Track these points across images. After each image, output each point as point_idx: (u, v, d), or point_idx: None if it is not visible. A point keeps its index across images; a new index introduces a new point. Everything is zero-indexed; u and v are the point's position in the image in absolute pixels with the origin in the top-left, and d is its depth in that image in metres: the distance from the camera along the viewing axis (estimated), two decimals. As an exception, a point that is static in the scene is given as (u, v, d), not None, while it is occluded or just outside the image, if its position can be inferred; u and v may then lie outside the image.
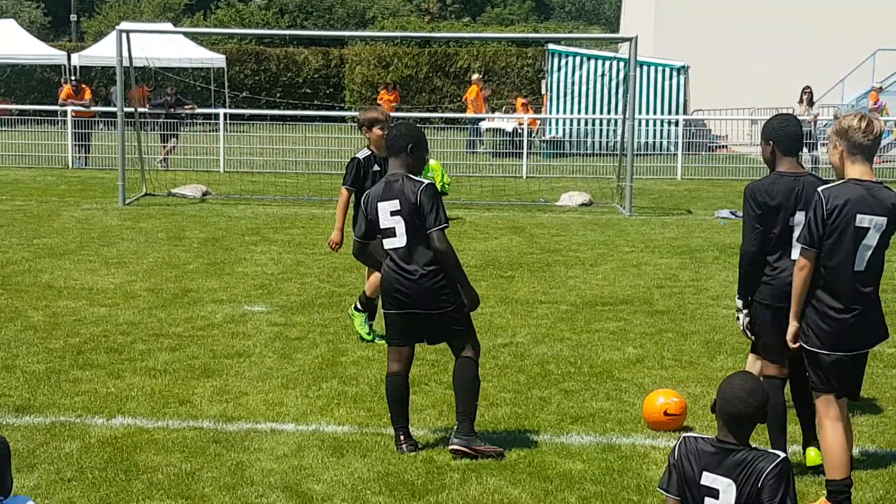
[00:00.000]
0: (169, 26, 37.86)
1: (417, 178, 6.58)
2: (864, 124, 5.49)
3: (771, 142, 6.09)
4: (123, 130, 18.87)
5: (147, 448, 6.59)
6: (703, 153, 27.48)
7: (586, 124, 29.67)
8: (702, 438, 4.51)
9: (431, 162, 16.66)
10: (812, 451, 6.33)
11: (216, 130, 26.02)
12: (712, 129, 30.29)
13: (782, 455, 4.39)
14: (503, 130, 28.12)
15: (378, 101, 29.58)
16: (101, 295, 10.98)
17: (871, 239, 5.49)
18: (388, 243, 6.57)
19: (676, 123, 27.59)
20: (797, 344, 5.65)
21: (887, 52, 31.23)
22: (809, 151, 24.38)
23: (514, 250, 14.20)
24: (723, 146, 29.54)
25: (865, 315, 5.60)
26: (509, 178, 23.87)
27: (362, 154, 9.16)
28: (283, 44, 44.11)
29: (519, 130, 26.95)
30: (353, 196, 9.11)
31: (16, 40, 37.82)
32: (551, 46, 31.10)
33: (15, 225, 15.70)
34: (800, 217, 5.87)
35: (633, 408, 7.55)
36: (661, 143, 28.96)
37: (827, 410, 5.67)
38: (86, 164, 25.36)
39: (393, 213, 6.54)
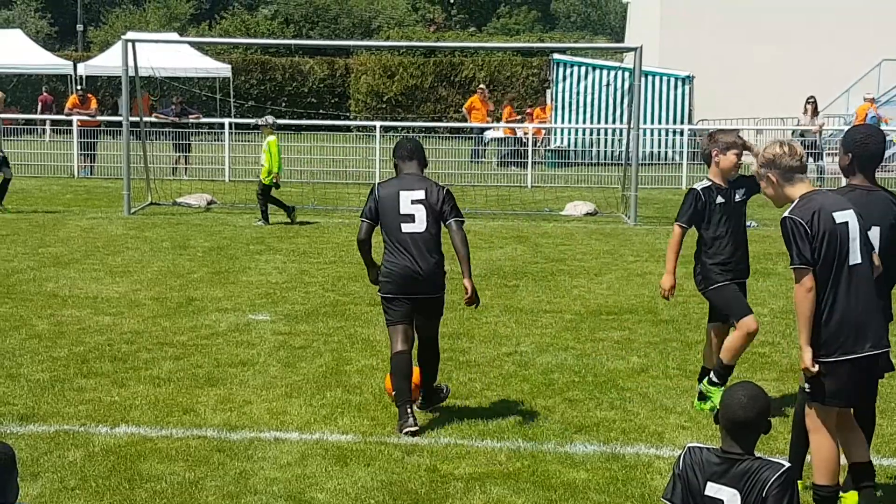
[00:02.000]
0: (175, 36, 37.92)
1: (434, 181, 7.37)
2: (786, 149, 5.54)
3: (850, 153, 6.06)
4: (129, 140, 18.88)
5: (151, 457, 6.59)
6: (709, 163, 27.41)
7: (591, 134, 29.67)
8: (707, 448, 4.49)
9: (271, 138, 17.03)
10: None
11: (221, 140, 26.07)
12: (717, 138, 30.20)
13: (787, 465, 4.37)
14: (509, 137, 28.13)
15: (469, 108, 29.19)
16: (106, 304, 10.99)
17: (854, 231, 5.47)
18: (407, 228, 7.16)
19: (681, 133, 27.59)
20: (816, 368, 5.43)
21: (893, 62, 31.22)
22: (815, 161, 24.36)
23: (519, 259, 14.19)
24: (728, 156, 29.46)
25: (870, 312, 5.50)
26: (514, 187, 23.87)
27: (701, 185, 7.72)
28: (289, 53, 44.18)
29: (524, 140, 26.96)
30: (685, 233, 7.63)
31: (22, 50, 37.94)
32: (556, 56, 31.11)
33: (20, 234, 15.73)
34: (874, 232, 5.81)
35: (638, 417, 7.53)
36: (665, 152, 28.95)
37: (825, 420, 5.59)
38: (91, 174, 25.41)
39: (415, 202, 7.17)
